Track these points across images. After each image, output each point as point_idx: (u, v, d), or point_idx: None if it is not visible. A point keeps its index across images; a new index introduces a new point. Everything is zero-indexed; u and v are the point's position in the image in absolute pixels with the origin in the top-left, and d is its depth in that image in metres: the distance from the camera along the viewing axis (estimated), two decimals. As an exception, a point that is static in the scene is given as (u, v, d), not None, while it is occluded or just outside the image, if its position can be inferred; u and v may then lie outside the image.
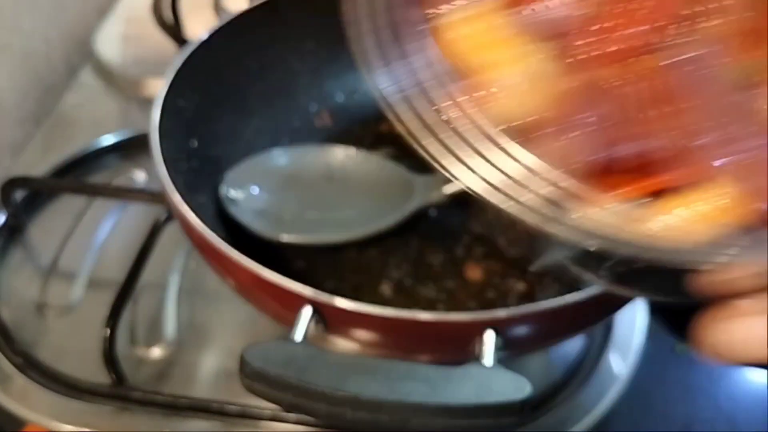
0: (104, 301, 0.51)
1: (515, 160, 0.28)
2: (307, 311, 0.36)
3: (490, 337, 0.35)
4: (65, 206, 0.63)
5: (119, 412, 0.49)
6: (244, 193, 0.52)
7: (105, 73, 0.77)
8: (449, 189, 0.51)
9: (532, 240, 0.30)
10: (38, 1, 0.75)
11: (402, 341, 0.38)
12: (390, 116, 0.31)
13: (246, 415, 0.48)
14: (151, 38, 0.81)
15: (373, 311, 0.36)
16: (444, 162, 0.29)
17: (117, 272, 0.57)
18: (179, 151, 0.48)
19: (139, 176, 0.66)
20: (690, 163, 0.27)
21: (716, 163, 0.27)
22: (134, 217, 0.62)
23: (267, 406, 0.48)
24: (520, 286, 0.50)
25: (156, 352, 0.53)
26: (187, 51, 0.51)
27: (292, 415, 0.48)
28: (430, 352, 0.38)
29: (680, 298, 0.27)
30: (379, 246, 0.52)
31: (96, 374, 0.50)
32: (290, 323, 0.37)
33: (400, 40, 0.31)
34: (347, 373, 0.33)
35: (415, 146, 0.30)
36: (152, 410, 0.49)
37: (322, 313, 0.37)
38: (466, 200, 0.54)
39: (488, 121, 0.29)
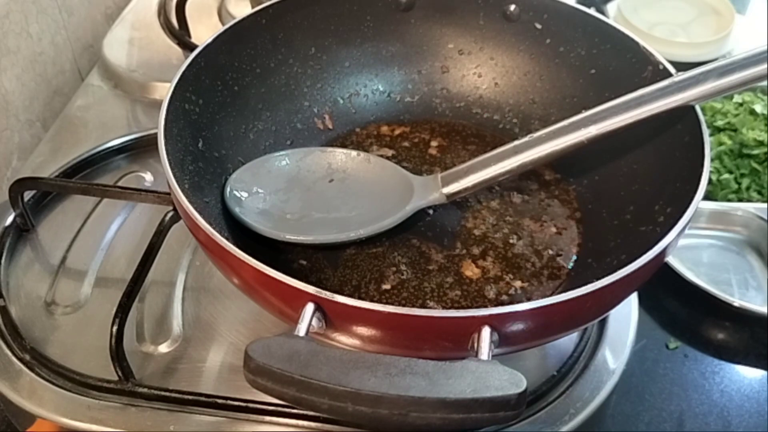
0: (111, 299, 0.51)
1: None
2: (309, 308, 0.37)
3: (486, 334, 0.36)
4: (73, 206, 0.64)
5: (126, 407, 0.50)
6: (248, 193, 0.53)
7: (112, 77, 0.78)
8: (447, 189, 0.52)
9: None
10: (46, 5, 0.76)
11: (401, 337, 0.39)
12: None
13: (250, 410, 0.49)
14: (157, 42, 0.82)
15: (373, 308, 0.36)
16: None
17: (124, 271, 0.58)
18: (185, 152, 0.49)
19: (146, 177, 0.67)
20: None
21: None
22: (141, 217, 0.63)
23: (271, 401, 0.48)
24: (516, 284, 0.50)
25: (162, 348, 0.53)
26: (193, 55, 0.52)
27: (295, 410, 0.48)
28: (428, 348, 0.39)
29: None
30: (380, 245, 0.52)
31: (103, 370, 0.50)
32: (293, 320, 0.37)
33: None
34: (348, 369, 0.34)
35: None
36: (158, 405, 0.50)
37: (324, 310, 0.37)
38: (464, 200, 0.56)
39: None
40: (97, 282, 0.58)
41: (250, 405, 0.49)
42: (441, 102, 0.63)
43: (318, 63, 0.61)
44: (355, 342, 0.40)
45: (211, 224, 0.41)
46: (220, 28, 0.54)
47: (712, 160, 0.66)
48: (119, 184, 0.65)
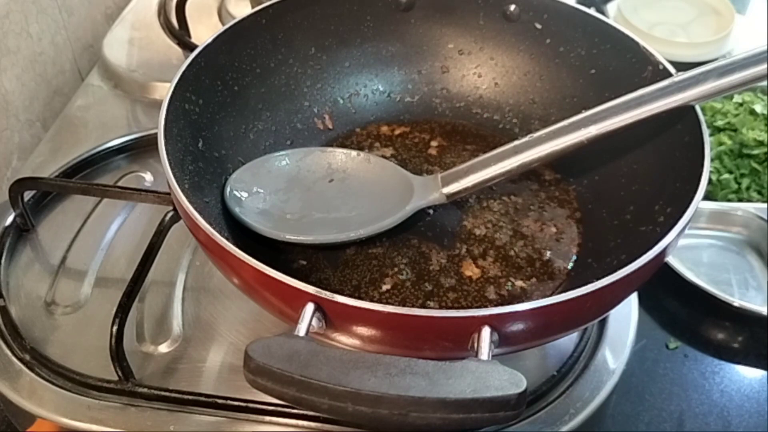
0: (111, 299, 0.51)
1: None
2: (309, 308, 0.37)
3: (486, 334, 0.36)
4: (73, 206, 0.64)
5: (126, 407, 0.50)
6: (248, 193, 0.53)
7: (112, 77, 0.78)
8: (447, 189, 0.52)
9: None
10: (46, 5, 0.76)
11: (401, 337, 0.39)
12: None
13: (250, 410, 0.49)
14: (157, 42, 0.82)
15: (373, 308, 0.36)
16: None
17: (124, 271, 0.58)
18: (185, 152, 0.49)
19: (146, 177, 0.67)
20: None
21: None
22: (141, 217, 0.63)
23: (271, 401, 0.48)
24: (516, 284, 0.50)
25: (162, 348, 0.53)
26: (193, 55, 0.52)
27: (294, 410, 0.48)
28: (428, 348, 0.39)
29: None
30: (380, 245, 0.52)
31: (103, 370, 0.50)
32: (293, 320, 0.38)
33: None
34: (348, 369, 0.34)
35: None
36: (158, 405, 0.50)
37: (324, 310, 0.37)
38: (464, 200, 0.56)
39: None
40: (97, 282, 0.58)
41: (250, 405, 0.49)
42: (441, 102, 0.63)
43: (318, 63, 0.61)
44: (355, 342, 0.40)
45: (211, 224, 0.41)
46: (220, 28, 0.54)
47: (712, 160, 0.66)
48: (119, 184, 0.65)
